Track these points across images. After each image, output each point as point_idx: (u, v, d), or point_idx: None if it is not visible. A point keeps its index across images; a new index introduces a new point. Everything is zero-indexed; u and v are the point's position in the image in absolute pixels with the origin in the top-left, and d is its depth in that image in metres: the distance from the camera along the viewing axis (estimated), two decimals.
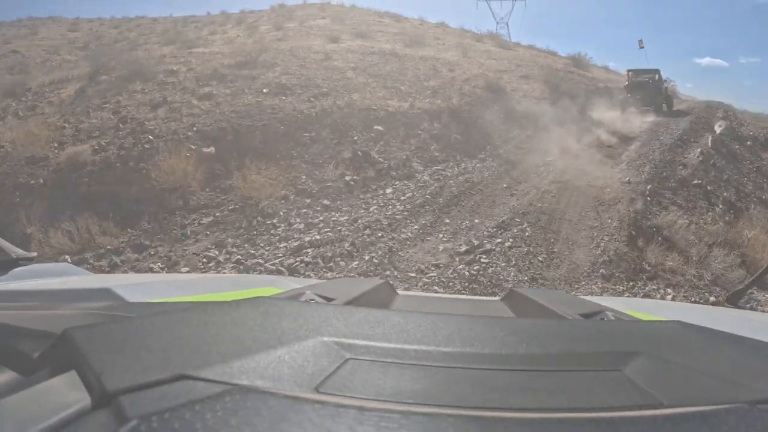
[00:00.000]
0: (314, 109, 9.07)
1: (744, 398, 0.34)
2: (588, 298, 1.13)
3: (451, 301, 1.39)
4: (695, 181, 8.95)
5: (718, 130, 12.03)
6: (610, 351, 0.44)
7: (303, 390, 0.33)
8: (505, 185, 8.06)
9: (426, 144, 8.95)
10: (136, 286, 0.87)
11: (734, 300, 1.33)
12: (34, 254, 1.04)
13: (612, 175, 8.78)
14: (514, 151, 9.67)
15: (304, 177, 7.06)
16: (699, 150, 10.46)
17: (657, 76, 14.86)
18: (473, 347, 0.43)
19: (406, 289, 3.50)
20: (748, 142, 12.29)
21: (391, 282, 1.48)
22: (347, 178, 7.12)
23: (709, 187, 8.97)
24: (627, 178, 8.25)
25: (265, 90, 9.73)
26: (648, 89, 14.25)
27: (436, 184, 7.31)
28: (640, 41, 19.46)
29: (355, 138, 8.65)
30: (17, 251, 1.00)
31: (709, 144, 10.88)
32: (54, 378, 0.35)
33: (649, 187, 7.93)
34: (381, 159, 7.99)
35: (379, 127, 9.02)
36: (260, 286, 1.20)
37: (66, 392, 0.32)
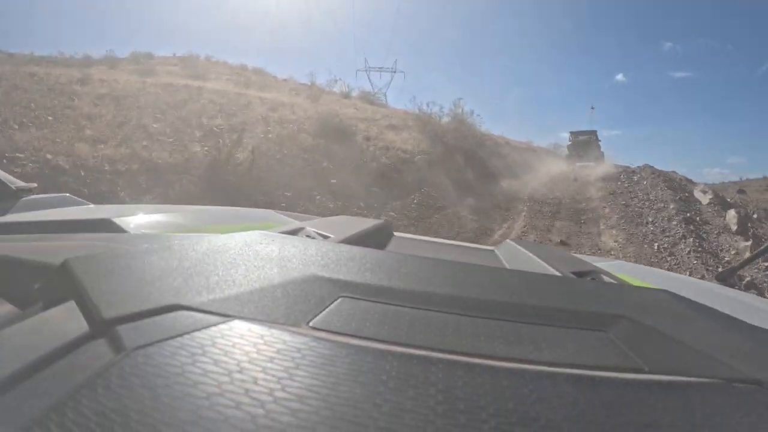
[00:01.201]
0: None
1: (722, 375, 0.34)
2: (582, 257, 1.07)
3: (446, 246, 1.31)
4: None
5: (706, 199, 8.51)
6: (597, 312, 0.44)
7: (295, 324, 0.33)
8: None
9: None
10: (135, 217, 0.86)
11: (724, 277, 1.29)
12: (34, 185, 1.02)
13: None
14: None
15: None
16: (745, 245, 5.59)
17: (594, 136, 17.34)
18: (464, 293, 0.43)
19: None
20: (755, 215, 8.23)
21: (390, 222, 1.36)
22: None
23: None
24: None
25: None
26: (589, 146, 16.41)
27: None
28: (592, 107, 22.42)
29: None
30: (17, 183, 0.98)
31: (735, 226, 6.23)
32: (53, 308, 0.35)
33: None
34: None
35: None
36: (260, 220, 1.17)
37: (64, 322, 0.32)
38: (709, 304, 0.53)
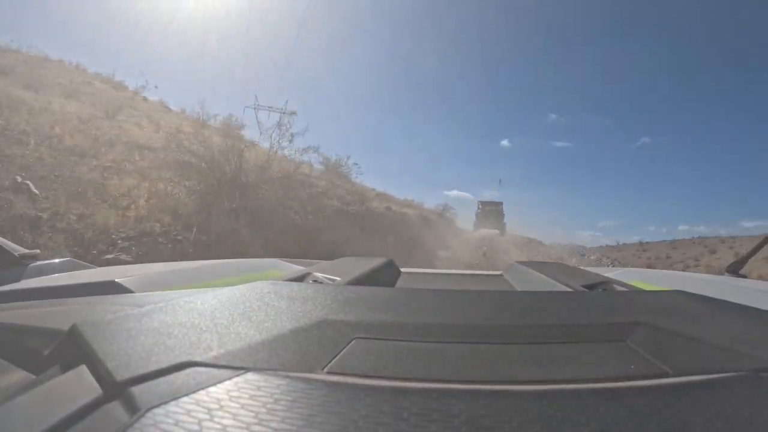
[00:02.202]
0: None
1: (747, 366, 0.34)
2: (591, 269, 1.09)
3: (454, 277, 1.33)
4: None
5: None
6: (614, 322, 0.43)
7: (311, 370, 0.32)
8: None
9: None
10: (141, 277, 0.86)
11: (734, 269, 1.28)
12: (38, 251, 1.01)
13: None
14: None
15: None
16: None
17: (500, 206, 18.03)
18: (477, 321, 0.43)
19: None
20: None
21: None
22: None
23: None
24: None
25: None
26: (496, 216, 17.09)
27: None
28: (500, 180, 23.48)
29: None
30: (21, 250, 0.98)
31: None
32: (64, 374, 0.34)
33: None
34: None
35: None
36: (264, 270, 1.17)
37: (77, 387, 0.32)
38: (723, 297, 0.53)
